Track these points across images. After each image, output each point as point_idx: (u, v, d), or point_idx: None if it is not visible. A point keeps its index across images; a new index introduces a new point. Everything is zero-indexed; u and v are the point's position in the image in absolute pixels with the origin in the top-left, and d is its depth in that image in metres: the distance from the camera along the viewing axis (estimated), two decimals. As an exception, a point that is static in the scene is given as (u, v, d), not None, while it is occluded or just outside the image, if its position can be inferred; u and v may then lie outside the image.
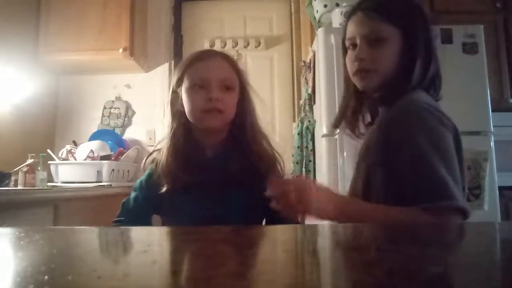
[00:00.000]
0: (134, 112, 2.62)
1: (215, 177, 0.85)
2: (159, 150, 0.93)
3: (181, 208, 0.86)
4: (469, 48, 1.84)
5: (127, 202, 0.95)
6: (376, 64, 0.80)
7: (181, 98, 0.89)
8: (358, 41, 0.82)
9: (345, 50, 0.88)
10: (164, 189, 0.86)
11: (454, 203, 0.67)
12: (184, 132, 0.89)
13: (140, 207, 0.92)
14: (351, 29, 0.84)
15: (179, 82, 0.89)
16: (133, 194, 0.95)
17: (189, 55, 0.93)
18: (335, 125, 0.95)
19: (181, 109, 0.89)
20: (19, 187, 1.77)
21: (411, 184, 0.71)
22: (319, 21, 2.20)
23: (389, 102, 0.79)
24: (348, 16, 0.86)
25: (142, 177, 0.97)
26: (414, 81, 0.79)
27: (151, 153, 0.97)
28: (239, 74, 0.91)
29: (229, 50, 2.67)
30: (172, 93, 0.92)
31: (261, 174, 0.84)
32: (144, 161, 0.97)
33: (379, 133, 0.78)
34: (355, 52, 0.82)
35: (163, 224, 0.95)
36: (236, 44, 2.70)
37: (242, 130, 0.90)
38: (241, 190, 0.85)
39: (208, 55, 0.91)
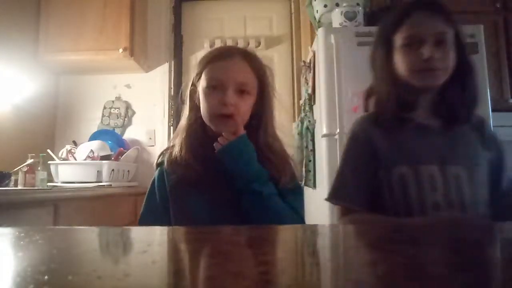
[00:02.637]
0: (134, 112, 2.62)
1: (230, 180, 0.83)
2: (172, 146, 0.91)
3: (192, 208, 0.84)
4: (469, 48, 1.83)
5: (143, 216, 0.91)
6: (445, 63, 0.83)
7: (198, 93, 0.87)
8: (426, 40, 0.82)
9: (388, 45, 0.88)
10: (176, 180, 0.84)
11: None
12: (200, 126, 0.88)
13: (159, 204, 0.88)
14: (415, 27, 0.84)
15: (198, 77, 0.88)
16: (148, 197, 0.91)
17: (211, 50, 0.91)
18: (387, 112, 0.87)
19: (198, 104, 0.87)
20: (19, 187, 1.77)
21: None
22: (319, 21, 2.20)
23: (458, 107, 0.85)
24: (405, 13, 0.86)
25: (153, 178, 0.93)
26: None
27: (166, 149, 0.94)
28: (260, 75, 0.88)
29: (229, 50, 2.67)
30: (191, 85, 0.90)
31: (275, 181, 0.83)
32: (157, 159, 0.94)
33: (480, 141, 0.87)
34: (423, 50, 0.82)
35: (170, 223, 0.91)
36: (236, 44, 2.69)
37: (256, 133, 0.87)
38: None
39: (228, 54, 0.87)
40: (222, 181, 0.83)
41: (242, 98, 0.84)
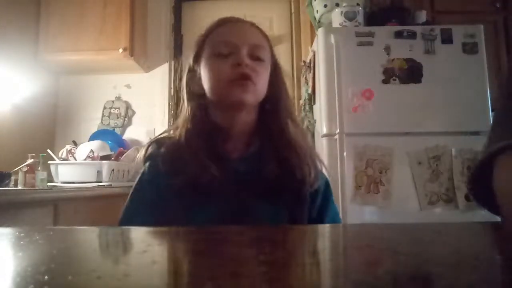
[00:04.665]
0: (134, 112, 2.62)
1: (242, 183, 0.68)
2: (168, 137, 0.75)
3: (196, 214, 0.67)
4: (469, 48, 1.83)
5: (129, 216, 0.72)
6: None
7: (199, 75, 0.73)
8: None
9: None
10: (183, 183, 0.65)
11: None
12: (206, 114, 0.72)
13: (149, 204, 0.70)
14: None
15: (197, 58, 0.74)
16: (134, 196, 0.73)
17: (209, 24, 0.77)
18: None
19: (199, 91, 0.72)
20: (19, 187, 1.77)
21: None
22: (319, 21, 2.20)
23: None
24: None
25: (142, 172, 0.74)
26: None
27: (154, 140, 0.76)
28: (272, 48, 0.75)
29: (229, 50, 2.67)
30: (188, 72, 0.76)
31: (298, 185, 0.69)
32: (145, 149, 0.75)
33: None
34: None
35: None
36: (236, 44, 2.70)
37: (275, 119, 0.72)
38: (272, 204, 0.69)
39: (235, 19, 0.74)
40: (232, 187, 0.67)
41: (258, 64, 0.70)
